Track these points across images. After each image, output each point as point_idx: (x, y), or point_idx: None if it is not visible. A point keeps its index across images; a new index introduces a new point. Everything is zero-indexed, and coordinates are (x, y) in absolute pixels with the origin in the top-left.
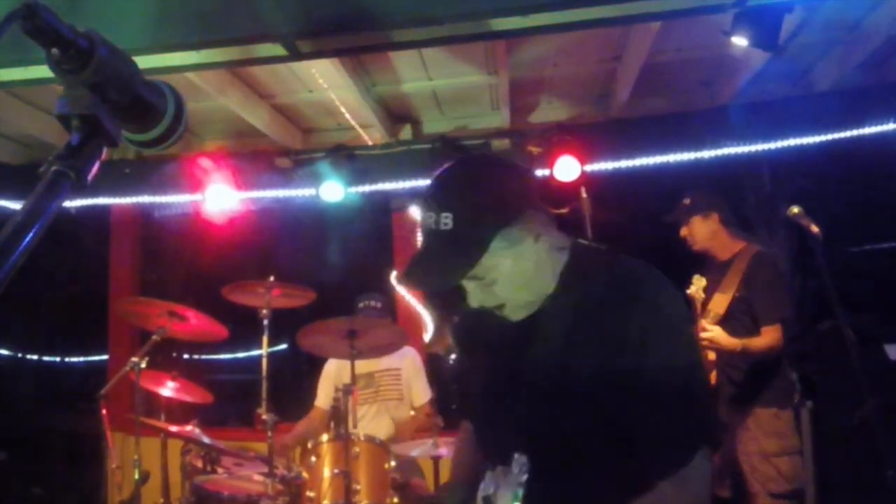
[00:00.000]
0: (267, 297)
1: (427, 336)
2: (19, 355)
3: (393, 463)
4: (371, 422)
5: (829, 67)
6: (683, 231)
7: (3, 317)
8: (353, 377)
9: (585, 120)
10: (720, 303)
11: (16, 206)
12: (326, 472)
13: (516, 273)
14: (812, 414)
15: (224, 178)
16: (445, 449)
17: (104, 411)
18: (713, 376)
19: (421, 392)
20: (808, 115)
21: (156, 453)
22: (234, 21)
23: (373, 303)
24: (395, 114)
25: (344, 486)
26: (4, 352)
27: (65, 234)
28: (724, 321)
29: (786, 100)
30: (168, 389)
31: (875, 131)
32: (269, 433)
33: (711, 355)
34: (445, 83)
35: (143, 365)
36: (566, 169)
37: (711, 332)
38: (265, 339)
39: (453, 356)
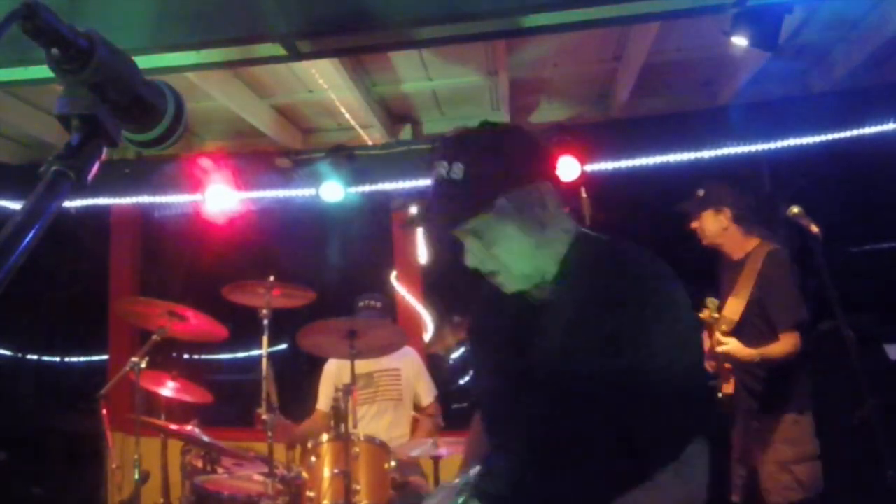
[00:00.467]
0: (267, 297)
1: (427, 336)
2: (19, 355)
3: (393, 463)
4: (371, 422)
5: (829, 67)
6: (694, 224)
7: (3, 317)
8: (353, 377)
9: (585, 120)
10: (734, 309)
11: (16, 206)
12: (326, 472)
13: (517, 239)
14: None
15: (224, 178)
16: (445, 449)
17: (104, 411)
18: (731, 385)
19: (426, 391)
20: (808, 115)
21: (156, 453)
22: (233, 21)
23: (373, 303)
24: (395, 114)
25: (344, 486)
26: (4, 352)
27: (65, 234)
28: (739, 328)
29: (786, 100)
30: (168, 389)
31: (875, 131)
32: (269, 433)
33: (727, 364)
34: (445, 83)
35: (143, 365)
36: (566, 169)
37: (728, 345)
38: (265, 339)
39: (453, 356)
